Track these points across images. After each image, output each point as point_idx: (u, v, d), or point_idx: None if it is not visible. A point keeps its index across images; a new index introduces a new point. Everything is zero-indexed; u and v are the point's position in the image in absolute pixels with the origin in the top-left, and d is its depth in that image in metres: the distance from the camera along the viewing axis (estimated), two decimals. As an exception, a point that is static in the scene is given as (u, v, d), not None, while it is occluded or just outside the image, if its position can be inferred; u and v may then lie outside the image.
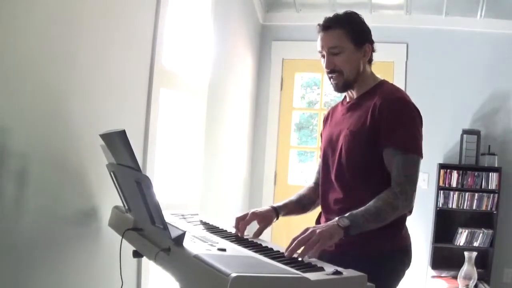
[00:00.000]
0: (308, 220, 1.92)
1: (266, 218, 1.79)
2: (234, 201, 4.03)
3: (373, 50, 1.77)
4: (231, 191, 3.96)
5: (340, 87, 1.76)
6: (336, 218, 1.49)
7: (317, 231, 1.42)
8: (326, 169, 1.81)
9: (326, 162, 1.82)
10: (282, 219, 1.87)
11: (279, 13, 4.54)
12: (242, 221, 1.70)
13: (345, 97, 1.87)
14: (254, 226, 1.75)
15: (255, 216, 1.76)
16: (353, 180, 1.70)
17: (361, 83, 1.76)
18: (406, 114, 1.65)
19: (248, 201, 4.41)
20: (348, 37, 1.70)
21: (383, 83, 1.78)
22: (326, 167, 1.81)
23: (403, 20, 4.30)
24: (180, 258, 1.25)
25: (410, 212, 1.70)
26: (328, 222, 1.51)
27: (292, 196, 1.94)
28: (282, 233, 4.09)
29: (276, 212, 1.83)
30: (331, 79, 1.76)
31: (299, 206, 1.92)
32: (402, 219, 1.70)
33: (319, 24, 1.74)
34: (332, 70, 1.73)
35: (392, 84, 1.80)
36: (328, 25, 1.72)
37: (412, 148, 1.62)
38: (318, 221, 1.86)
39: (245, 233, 1.68)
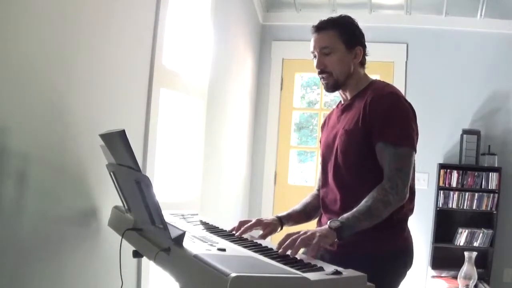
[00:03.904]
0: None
1: (270, 225, 1.80)
2: (234, 201, 4.03)
3: (365, 54, 1.79)
4: (231, 191, 3.96)
5: (330, 87, 1.78)
6: (328, 222, 1.50)
7: (312, 231, 1.44)
8: (325, 172, 1.83)
9: (325, 164, 1.84)
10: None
11: (279, 13, 4.54)
12: (245, 223, 1.70)
13: (340, 100, 1.88)
14: (258, 233, 1.75)
15: (260, 222, 1.77)
16: (350, 179, 1.71)
17: (353, 85, 1.78)
18: (396, 108, 1.66)
19: (248, 201, 4.41)
20: (340, 38, 1.73)
21: (374, 82, 1.80)
22: (325, 169, 1.83)
23: (403, 20, 4.30)
24: (180, 258, 1.25)
25: (412, 211, 1.70)
26: (321, 226, 1.54)
27: (296, 205, 1.95)
28: (282, 234, 4.09)
29: (281, 222, 1.84)
30: (322, 79, 1.78)
31: (303, 214, 1.92)
32: (404, 220, 1.71)
33: (313, 26, 1.77)
34: (322, 70, 1.76)
35: (382, 81, 1.81)
36: (321, 27, 1.75)
37: (403, 141, 1.62)
38: (319, 222, 1.87)
39: (247, 237, 1.67)
